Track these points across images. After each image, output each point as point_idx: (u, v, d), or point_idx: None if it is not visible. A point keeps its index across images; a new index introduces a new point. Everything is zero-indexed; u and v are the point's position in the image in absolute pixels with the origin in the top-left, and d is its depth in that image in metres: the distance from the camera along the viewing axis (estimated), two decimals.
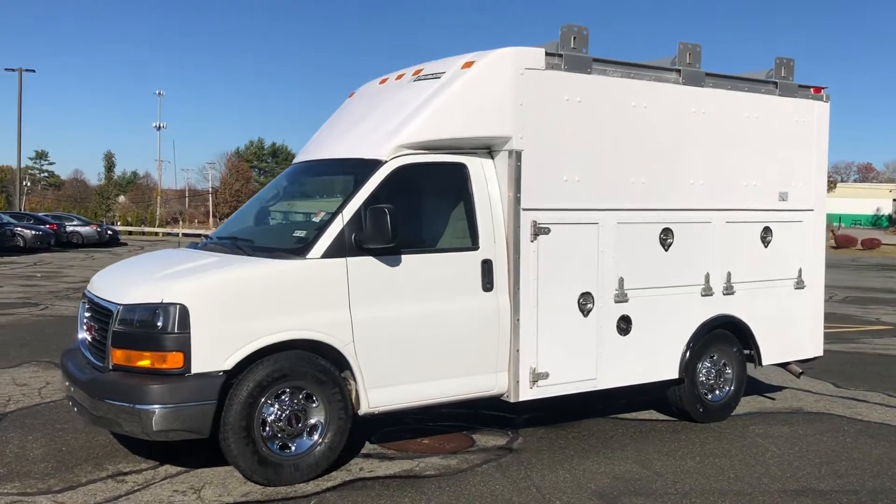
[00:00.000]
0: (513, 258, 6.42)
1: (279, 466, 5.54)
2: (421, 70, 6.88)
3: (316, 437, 5.71)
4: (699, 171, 7.45)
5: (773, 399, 8.91)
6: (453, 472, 5.99)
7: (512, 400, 6.50)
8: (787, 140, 8.06)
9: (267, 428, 5.55)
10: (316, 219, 5.99)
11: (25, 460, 6.01)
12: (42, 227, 35.59)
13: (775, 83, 7.98)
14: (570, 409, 7.79)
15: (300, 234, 5.96)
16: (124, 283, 5.86)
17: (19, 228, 32.87)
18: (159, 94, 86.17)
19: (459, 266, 6.27)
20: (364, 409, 5.90)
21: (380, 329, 5.87)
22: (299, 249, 5.74)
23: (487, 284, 6.35)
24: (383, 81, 7.36)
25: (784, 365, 8.49)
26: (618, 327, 7.00)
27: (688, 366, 7.46)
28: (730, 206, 7.68)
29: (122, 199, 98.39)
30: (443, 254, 6.28)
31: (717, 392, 7.83)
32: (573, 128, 6.69)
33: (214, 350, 5.32)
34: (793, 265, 8.18)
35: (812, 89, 8.29)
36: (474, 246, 6.33)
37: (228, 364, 5.35)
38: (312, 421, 5.72)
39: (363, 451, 6.46)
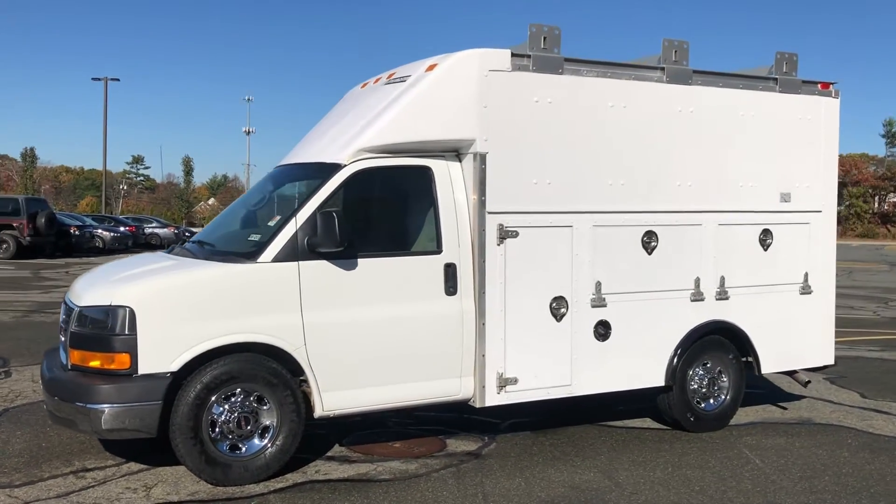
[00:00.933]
0: (478, 262, 6.36)
1: (227, 467, 5.64)
2: (394, 73, 6.89)
3: (267, 439, 5.78)
4: (687, 172, 7.21)
5: (785, 409, 8.54)
6: (408, 476, 5.97)
7: (478, 405, 6.44)
8: (790, 138, 7.72)
9: (216, 429, 5.65)
10: (272, 223, 6.06)
11: (2, 455, 6.28)
12: (121, 229, 37.12)
13: (775, 79, 7.65)
14: (562, 416, 7.68)
15: (255, 238, 6.05)
16: (87, 285, 6.07)
17: (99, 230, 34.37)
18: (248, 99, 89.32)
19: (421, 270, 6.25)
20: (319, 412, 5.94)
21: (334, 333, 5.90)
22: (251, 253, 5.83)
23: (451, 288, 6.30)
24: (364, 85, 7.40)
25: (791, 373, 8.14)
26: (595, 333, 6.84)
27: (676, 373, 7.23)
28: (723, 208, 7.40)
29: (212, 201, 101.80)
30: (403, 257, 6.26)
31: (712, 401, 7.55)
32: (544, 129, 6.57)
33: (161, 352, 5.45)
34: (797, 269, 7.83)
35: (819, 85, 7.92)
36: (437, 250, 6.29)
37: (175, 366, 5.47)
38: (265, 423, 5.80)
39: (329, 453, 6.50)
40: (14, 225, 29.32)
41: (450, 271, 6.30)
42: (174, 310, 5.53)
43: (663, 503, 5.58)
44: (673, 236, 7.16)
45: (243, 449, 5.73)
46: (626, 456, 6.64)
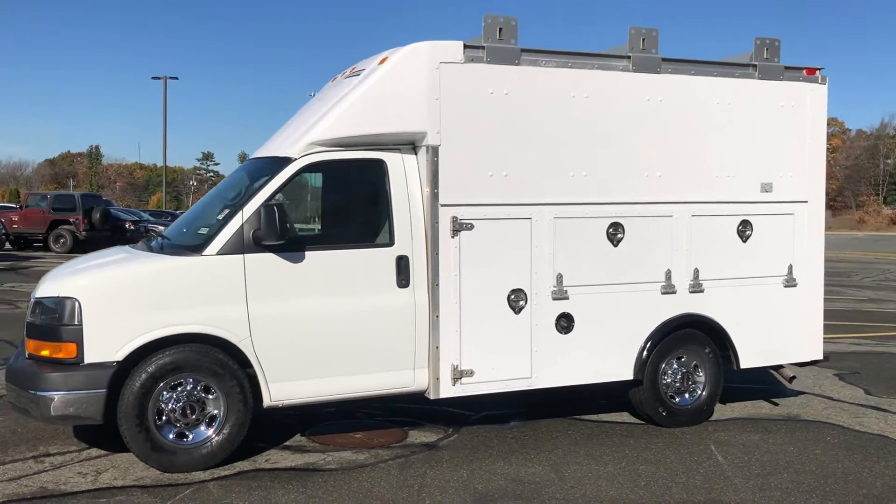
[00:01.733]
0: (431, 255, 6.37)
1: (173, 454, 5.79)
2: (355, 67, 6.94)
3: (214, 428, 5.92)
4: (657, 163, 7.08)
5: (777, 404, 8.32)
6: (354, 466, 6.03)
7: (432, 397, 6.46)
8: (772, 127, 7.50)
9: (163, 417, 5.80)
10: (220, 217, 6.18)
11: None
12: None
13: (754, 66, 7.44)
14: (544, 408, 7.66)
15: (203, 231, 6.18)
16: (46, 278, 6.29)
17: (152, 225, 35.35)
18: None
19: (372, 262, 6.29)
20: (267, 402, 6.05)
21: (280, 324, 6.00)
22: (198, 247, 5.96)
23: (403, 281, 6.33)
24: (334, 79, 7.47)
25: (776, 368, 7.92)
26: (557, 325, 6.78)
27: (646, 367, 7.12)
28: (697, 199, 7.24)
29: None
30: (353, 250, 6.32)
31: (687, 395, 7.41)
32: (500, 121, 6.54)
33: (106, 342, 5.63)
34: (781, 261, 7.61)
35: (804, 71, 7.67)
36: (389, 242, 6.33)
37: (120, 355, 5.64)
38: (213, 412, 5.93)
39: (288, 442, 6.61)
40: (70, 220, 30.45)
41: (402, 264, 6.33)
42: (118, 301, 5.70)
43: (601, 497, 5.51)
44: (641, 228, 7.04)
45: (190, 437, 5.88)
46: (585, 450, 6.57)
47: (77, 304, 5.60)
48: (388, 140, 6.39)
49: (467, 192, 6.45)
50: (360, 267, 6.27)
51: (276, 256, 5.98)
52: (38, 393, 5.62)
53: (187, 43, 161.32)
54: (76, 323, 5.59)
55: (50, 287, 5.86)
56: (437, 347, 6.40)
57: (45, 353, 5.71)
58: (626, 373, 7.08)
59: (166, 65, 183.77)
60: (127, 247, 6.97)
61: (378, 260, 6.30)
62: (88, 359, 5.62)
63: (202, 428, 5.91)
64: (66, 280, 5.85)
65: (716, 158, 7.29)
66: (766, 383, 9.02)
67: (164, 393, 5.80)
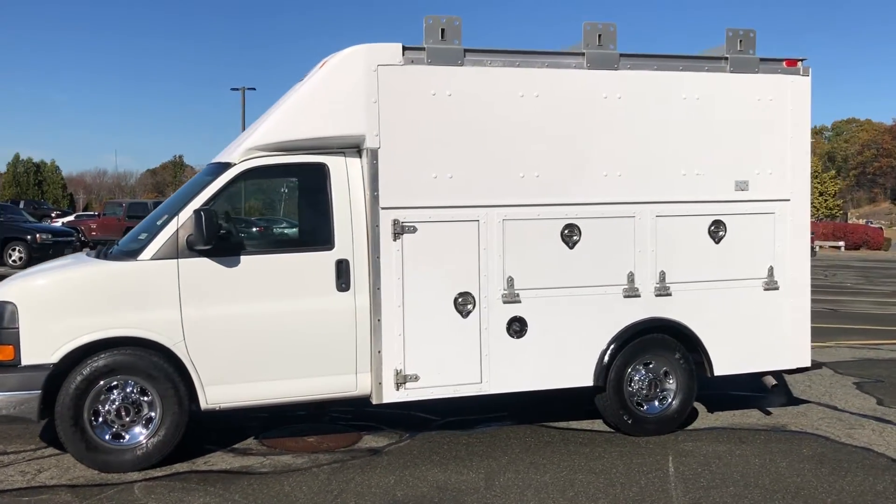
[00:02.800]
0: (372, 258, 6.33)
1: (109, 454, 5.93)
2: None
3: (150, 429, 6.03)
4: (616, 162, 6.84)
5: (769, 413, 7.92)
6: (286, 470, 6.05)
7: (374, 401, 6.42)
8: (746, 121, 7.15)
9: (99, 418, 5.95)
10: (159, 222, 6.30)
11: None
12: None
13: (725, 59, 7.11)
14: (529, 413, 7.55)
15: (143, 236, 6.30)
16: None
17: None
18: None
19: (311, 266, 6.30)
20: (204, 405, 6.13)
21: (215, 328, 6.07)
22: (134, 252, 6.09)
23: (343, 285, 6.32)
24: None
25: (761, 375, 7.54)
26: (509, 329, 6.63)
27: (610, 372, 6.89)
28: (662, 199, 6.97)
29: None
30: (291, 254, 6.35)
31: (656, 403, 7.14)
32: (444, 123, 6.45)
33: (42, 344, 5.81)
34: (759, 263, 7.24)
35: (784, 62, 7.29)
36: (329, 246, 6.33)
37: (55, 357, 5.81)
38: (149, 414, 6.05)
39: (237, 445, 6.67)
40: None
41: (342, 267, 6.32)
42: (54, 306, 5.88)
43: None
44: (599, 229, 6.82)
45: (126, 438, 6.01)
46: (532, 458, 6.40)
47: (14, 308, 5.81)
48: (329, 144, 6.39)
49: (410, 194, 6.38)
50: (298, 271, 6.29)
51: (210, 261, 6.06)
52: None
53: (261, 54, 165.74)
54: (14, 326, 5.80)
55: None
56: (380, 352, 6.35)
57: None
58: (585, 379, 6.86)
59: (245, 76, 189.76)
60: (82, 253, 7.15)
61: (317, 263, 6.30)
62: (25, 361, 5.81)
63: (138, 429, 6.04)
64: (8, 286, 6.08)
65: (683, 156, 7.00)
66: (766, 392, 8.60)
67: (101, 395, 5.94)
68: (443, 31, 6.45)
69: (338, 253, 6.32)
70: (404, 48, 6.36)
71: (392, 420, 7.40)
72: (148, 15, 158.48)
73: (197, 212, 5.89)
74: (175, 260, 6.01)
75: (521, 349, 6.68)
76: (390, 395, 6.42)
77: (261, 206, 6.85)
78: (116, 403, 5.97)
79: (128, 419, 5.99)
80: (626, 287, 6.90)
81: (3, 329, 5.82)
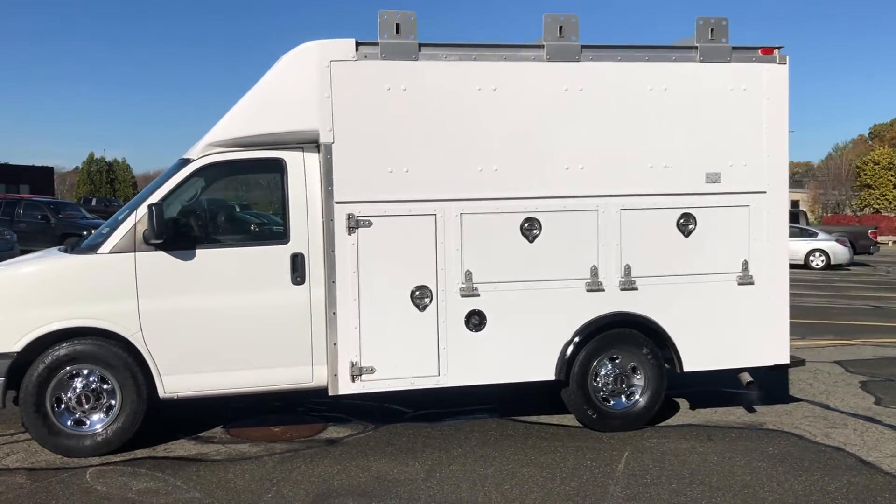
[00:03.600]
0: (327, 252, 6.42)
1: (70, 439, 6.19)
2: None
3: (110, 416, 6.26)
4: (578, 155, 6.78)
5: (754, 411, 7.75)
6: (237, 458, 6.21)
7: (331, 393, 6.51)
8: (719, 112, 6.99)
9: (61, 404, 6.21)
10: (121, 217, 6.51)
11: None
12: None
13: (695, 48, 6.96)
14: (514, 406, 7.56)
15: (106, 230, 6.53)
16: None
17: None
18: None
19: (266, 260, 6.44)
20: (162, 394, 6.33)
21: (171, 320, 6.26)
22: (96, 245, 6.33)
23: (298, 278, 6.44)
24: None
25: (737, 372, 7.36)
26: (468, 323, 6.65)
27: (572, 367, 6.84)
28: (626, 192, 6.87)
29: None
30: (246, 248, 6.50)
31: (623, 398, 7.06)
32: (399, 117, 6.49)
33: (5, 334, 6.10)
34: (732, 258, 7.08)
35: (759, 50, 7.09)
36: (284, 240, 6.45)
37: (18, 346, 6.09)
38: (110, 402, 6.28)
39: (203, 433, 6.86)
40: None
41: (297, 261, 6.43)
42: (16, 297, 6.17)
43: (447, 499, 5.39)
44: (560, 223, 6.77)
45: (87, 424, 6.26)
46: (485, 451, 6.41)
47: None
48: (286, 139, 6.51)
49: (365, 188, 6.45)
50: (254, 264, 6.43)
51: (166, 254, 6.25)
52: None
53: None
54: None
55: None
56: (335, 344, 6.45)
57: None
58: (547, 373, 6.83)
59: None
60: (54, 248, 7.41)
61: (272, 257, 6.43)
62: None
63: (99, 416, 6.28)
64: None
65: (649, 148, 6.88)
66: (763, 388, 8.40)
67: (63, 382, 6.20)
68: (398, 25, 6.49)
69: (293, 247, 6.44)
70: (358, 43, 6.42)
71: (364, 412, 7.51)
72: (213, 25, 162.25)
73: (150, 206, 6.09)
74: (133, 253, 6.22)
75: (480, 343, 6.68)
76: (346, 386, 6.51)
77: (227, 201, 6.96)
78: (78, 391, 6.22)
79: (88, 406, 6.24)
80: (590, 281, 6.84)
81: None
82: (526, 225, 6.71)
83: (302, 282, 6.44)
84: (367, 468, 5.99)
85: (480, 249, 6.66)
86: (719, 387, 8.43)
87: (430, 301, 6.59)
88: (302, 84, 6.38)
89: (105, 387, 6.28)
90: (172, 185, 6.38)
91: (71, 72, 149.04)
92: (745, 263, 7.09)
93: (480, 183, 6.64)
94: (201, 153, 6.48)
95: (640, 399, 7.05)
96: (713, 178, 7.00)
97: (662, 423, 7.25)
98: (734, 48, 7.02)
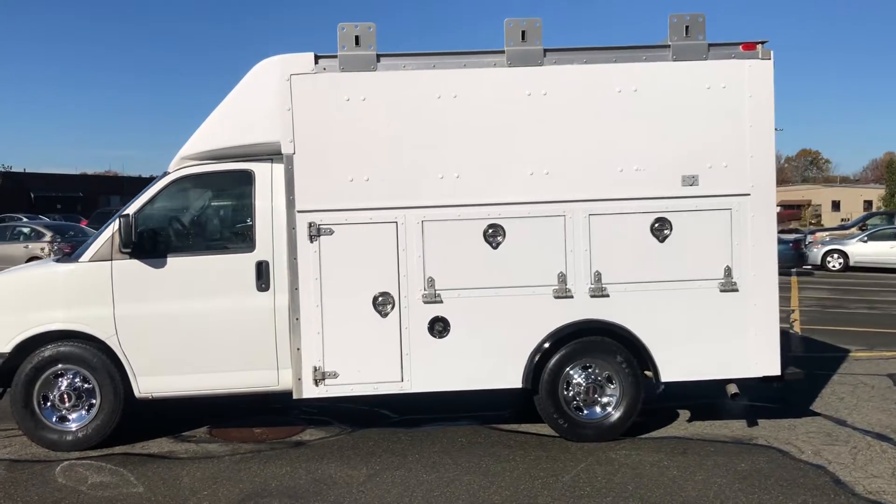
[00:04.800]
0: (289, 259, 6.63)
1: (54, 434, 6.67)
2: None
3: (91, 414, 6.70)
4: (543, 160, 6.69)
5: (756, 424, 7.37)
6: (201, 457, 6.51)
7: (295, 396, 6.70)
8: (695, 112, 6.73)
9: (48, 402, 6.70)
10: (104, 227, 6.94)
11: None
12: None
13: (667, 47, 6.73)
14: (488, 416, 7.58)
15: (91, 240, 6.98)
16: None
17: None
18: None
19: (233, 267, 6.71)
20: (137, 394, 6.72)
21: (144, 324, 6.63)
22: (79, 254, 6.79)
23: (263, 285, 6.68)
24: None
25: (725, 383, 7.03)
26: (431, 329, 6.69)
27: (541, 375, 6.76)
28: (595, 197, 6.72)
29: None
30: (214, 256, 6.78)
31: (598, 409, 6.89)
32: (359, 127, 6.62)
33: None
34: (714, 263, 6.78)
35: (740, 46, 6.77)
36: (250, 248, 6.71)
37: (7, 347, 6.62)
38: (92, 401, 6.72)
39: (187, 432, 7.21)
40: None
41: (262, 268, 6.68)
42: (6, 302, 6.70)
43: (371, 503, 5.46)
44: (525, 229, 6.69)
45: (70, 421, 6.72)
46: (439, 458, 6.43)
47: None
48: (253, 151, 6.77)
49: (326, 197, 6.62)
50: (221, 272, 6.72)
51: (140, 262, 6.64)
52: None
53: None
54: None
55: None
56: (299, 349, 6.64)
57: None
58: (514, 380, 6.76)
59: None
60: (49, 258, 7.96)
61: (239, 265, 6.70)
62: None
63: (82, 413, 6.73)
64: None
65: (619, 152, 6.70)
66: (783, 401, 8.03)
67: (50, 381, 6.69)
68: (357, 38, 6.62)
69: (258, 255, 6.69)
70: (317, 57, 6.60)
71: (352, 415, 7.66)
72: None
73: (121, 217, 6.48)
74: (109, 262, 6.64)
75: (444, 349, 6.70)
76: (310, 391, 6.68)
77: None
78: (62, 390, 6.70)
79: (70, 404, 6.70)
80: (557, 287, 6.72)
81: None
82: (490, 231, 6.68)
83: (267, 288, 6.68)
84: (315, 470, 6.13)
85: (443, 256, 6.68)
86: (725, 398, 8.06)
87: (393, 308, 6.67)
88: (265, 98, 6.62)
89: (86, 386, 6.72)
90: (147, 196, 6.77)
91: None
92: (728, 269, 6.77)
93: (442, 190, 6.67)
94: (175, 166, 6.84)
95: (614, 410, 6.86)
96: (690, 180, 6.74)
97: (646, 435, 7.02)
98: (712, 45, 6.74)
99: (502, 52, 6.67)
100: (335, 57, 6.61)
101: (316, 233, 6.60)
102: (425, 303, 6.68)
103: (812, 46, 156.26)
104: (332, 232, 6.62)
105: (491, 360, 6.74)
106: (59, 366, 6.67)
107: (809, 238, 29.77)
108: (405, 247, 6.67)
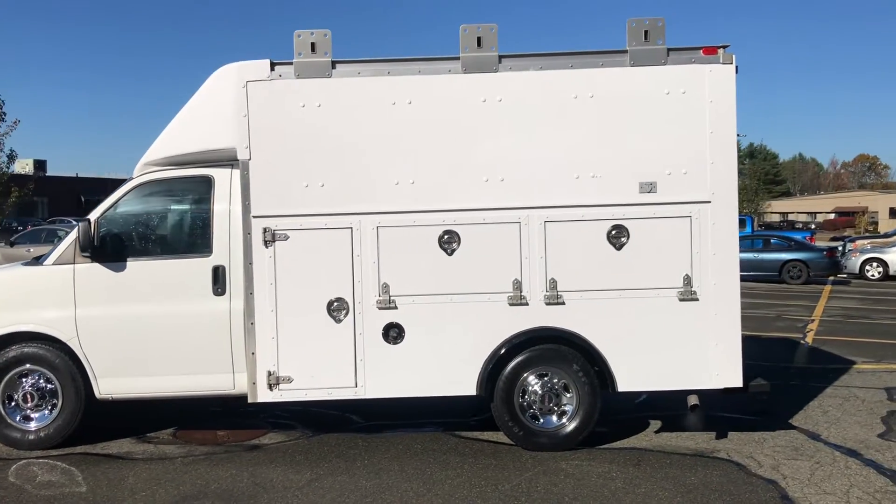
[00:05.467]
0: (245, 264, 6.70)
1: (17, 433, 6.84)
2: None
3: (53, 414, 6.86)
4: (498, 167, 6.65)
5: (725, 436, 7.21)
6: (154, 458, 6.65)
7: (250, 400, 6.77)
8: (653, 118, 6.63)
9: (12, 402, 6.88)
10: (71, 231, 7.11)
11: None
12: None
13: (625, 52, 6.64)
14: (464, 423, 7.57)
15: (56, 244, 7.15)
16: None
17: None
18: None
19: (189, 272, 6.81)
20: (98, 394, 6.86)
21: (103, 326, 6.77)
22: (45, 257, 6.97)
23: (219, 289, 6.76)
24: None
25: (686, 394, 6.89)
26: (386, 335, 6.70)
27: (496, 382, 6.71)
28: (550, 204, 6.66)
29: None
30: (171, 260, 6.89)
31: (554, 417, 6.81)
32: (314, 133, 6.67)
33: None
34: (672, 271, 6.67)
35: (701, 50, 6.66)
36: (207, 253, 6.80)
37: None
38: (54, 401, 6.88)
39: (152, 433, 7.35)
40: None
41: (218, 273, 6.76)
42: None
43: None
44: (480, 236, 6.66)
45: (32, 420, 6.89)
46: (387, 464, 6.43)
47: None
48: (212, 157, 6.87)
49: (281, 203, 6.68)
50: (179, 276, 6.83)
51: (101, 266, 6.78)
52: None
53: None
54: None
55: None
56: (253, 353, 6.71)
57: None
58: (468, 387, 6.73)
59: None
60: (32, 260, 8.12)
61: (195, 269, 6.80)
62: None
63: (44, 413, 6.90)
64: None
65: (575, 158, 6.64)
66: (766, 413, 7.83)
67: (15, 382, 6.87)
68: (313, 44, 6.68)
69: (215, 260, 6.78)
70: (273, 63, 6.67)
71: (317, 419, 7.71)
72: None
73: (81, 222, 6.64)
74: (72, 265, 6.80)
75: (398, 355, 6.70)
76: (264, 395, 6.74)
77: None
78: (26, 389, 6.87)
79: (33, 404, 6.87)
80: (512, 295, 6.67)
81: None
82: (445, 238, 6.67)
83: (223, 293, 6.76)
84: (259, 474, 6.19)
85: (398, 262, 6.69)
86: (713, 411, 7.93)
87: (347, 313, 6.70)
88: (222, 104, 6.71)
89: (50, 387, 6.88)
90: (110, 201, 6.92)
91: None
92: (688, 278, 6.65)
93: (397, 196, 6.67)
94: (139, 172, 6.98)
95: (570, 419, 6.77)
96: (648, 187, 6.64)
97: (607, 445, 6.92)
98: (671, 49, 6.64)
99: (458, 58, 6.66)
100: (291, 64, 6.67)
101: (271, 238, 6.67)
102: (380, 309, 6.69)
103: (871, 55, 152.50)
104: (287, 237, 6.68)
105: (446, 366, 6.72)
106: (25, 366, 6.85)
107: (850, 246, 29.04)
108: (360, 252, 6.69)
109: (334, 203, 6.68)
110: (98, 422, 7.19)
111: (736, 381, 6.71)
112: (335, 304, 6.69)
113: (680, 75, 6.61)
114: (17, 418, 6.91)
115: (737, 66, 6.73)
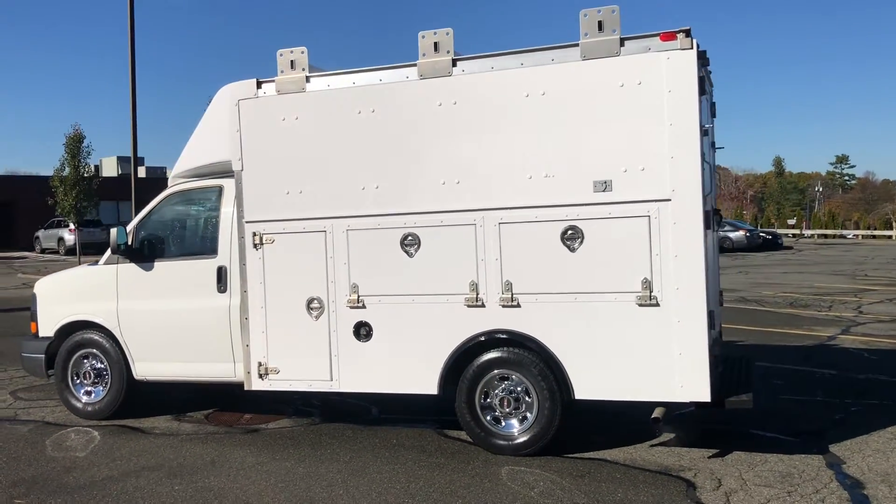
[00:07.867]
0: (239, 265, 7.43)
1: (78, 404, 8.17)
2: None
3: (104, 391, 8.11)
4: (454, 169, 6.73)
5: (723, 456, 6.65)
6: (166, 434, 7.56)
7: (245, 388, 7.48)
8: (606, 113, 6.31)
9: (77, 379, 8.23)
10: None
11: None
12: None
13: (575, 46, 6.38)
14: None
15: None
16: None
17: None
18: None
19: (200, 271, 7.69)
20: (135, 376, 7.98)
21: (136, 317, 7.88)
22: (103, 258, 8.23)
23: (222, 287, 7.57)
24: None
25: (651, 406, 6.44)
26: (356, 333, 7.07)
27: (461, 383, 6.81)
28: (504, 205, 6.59)
29: None
30: (187, 261, 7.80)
31: (515, 421, 6.74)
32: (293, 144, 7.21)
33: (46, 323, 8.33)
34: (630, 275, 6.30)
35: (659, 37, 6.20)
36: (214, 254, 7.64)
37: (51, 332, 8.26)
38: (107, 379, 8.13)
39: (191, 413, 8.34)
40: None
41: (221, 272, 7.57)
42: (53, 296, 8.35)
43: (238, 488, 6.06)
44: (438, 238, 6.78)
45: (91, 395, 8.19)
46: (349, 457, 6.74)
47: (35, 296, 8.43)
48: (221, 169, 7.67)
49: (268, 209, 7.31)
50: (192, 274, 7.72)
51: (135, 265, 7.89)
52: (22, 354, 8.59)
53: None
54: (35, 309, 8.41)
55: None
56: (248, 345, 7.41)
57: (32, 329, 8.65)
58: (430, 387, 6.88)
59: None
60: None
61: (204, 269, 7.65)
62: (41, 334, 8.38)
63: (97, 389, 8.17)
64: (37, 281, 8.74)
65: (528, 158, 6.51)
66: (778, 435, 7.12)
67: (79, 362, 8.21)
68: (292, 62, 7.21)
69: (220, 261, 7.58)
70: (258, 82, 7.31)
71: (336, 408, 8.26)
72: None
73: (116, 227, 7.79)
74: (116, 265, 7.99)
75: (367, 352, 7.04)
76: (256, 383, 7.42)
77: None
78: (86, 369, 8.18)
79: (90, 381, 8.16)
80: (469, 296, 6.71)
81: (33, 311, 8.48)
82: (407, 240, 6.88)
83: (225, 290, 7.55)
84: (226, 454, 6.88)
85: (366, 263, 7.02)
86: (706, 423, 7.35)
87: (323, 311, 7.16)
88: (221, 122, 7.49)
89: (102, 367, 8.13)
90: (146, 210, 8.02)
91: None
92: (647, 282, 6.24)
93: (364, 200, 7.01)
94: (171, 183, 8.00)
95: (531, 424, 6.65)
96: (602, 186, 6.33)
97: (572, 454, 6.66)
98: (626, 39, 6.26)
99: (415, 64, 6.82)
100: (273, 81, 7.27)
101: (259, 241, 7.32)
102: (350, 308, 7.07)
103: None
104: (273, 241, 7.29)
105: (410, 365, 6.93)
106: (87, 349, 8.16)
107: None
108: (333, 255, 7.11)
109: (311, 208, 7.16)
110: (171, 400, 8.42)
111: (703, 394, 6.16)
112: (314, 302, 7.17)
113: (634, 66, 6.21)
114: (81, 393, 8.25)
115: (702, 52, 6.20)
